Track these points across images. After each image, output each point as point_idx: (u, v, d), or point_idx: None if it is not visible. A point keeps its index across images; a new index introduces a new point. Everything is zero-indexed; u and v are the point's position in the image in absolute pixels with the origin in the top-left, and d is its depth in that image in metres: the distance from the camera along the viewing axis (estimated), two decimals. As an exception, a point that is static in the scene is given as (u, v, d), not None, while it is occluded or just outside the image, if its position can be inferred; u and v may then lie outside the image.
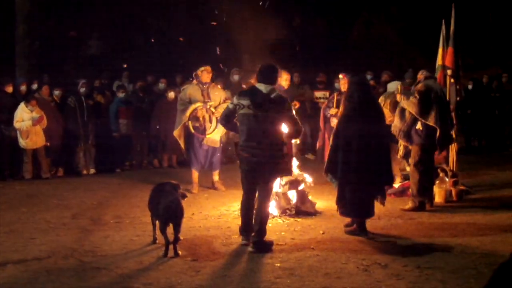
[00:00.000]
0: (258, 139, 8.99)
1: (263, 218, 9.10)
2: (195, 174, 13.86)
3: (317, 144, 14.03)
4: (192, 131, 13.49)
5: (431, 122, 11.16)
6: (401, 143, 11.98)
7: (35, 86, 17.37)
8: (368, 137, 9.56)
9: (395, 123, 11.73)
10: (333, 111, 13.14)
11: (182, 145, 13.89)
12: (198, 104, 13.35)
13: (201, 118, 13.44)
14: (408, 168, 12.75)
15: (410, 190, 12.50)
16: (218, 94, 13.64)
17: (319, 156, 14.55)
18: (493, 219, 10.59)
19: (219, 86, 14.59)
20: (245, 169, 9.25)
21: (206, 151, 13.64)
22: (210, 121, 13.50)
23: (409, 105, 11.37)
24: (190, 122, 13.44)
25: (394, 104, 12.10)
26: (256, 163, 9.06)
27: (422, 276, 7.62)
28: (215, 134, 13.54)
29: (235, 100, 9.26)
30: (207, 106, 13.35)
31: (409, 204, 11.46)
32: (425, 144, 11.36)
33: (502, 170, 15.82)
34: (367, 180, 9.53)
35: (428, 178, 11.59)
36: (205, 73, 13.48)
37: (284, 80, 12.70)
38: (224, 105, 12.19)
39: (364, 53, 28.65)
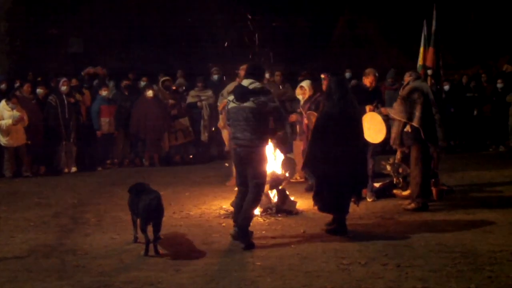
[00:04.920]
0: (242, 130, 9.16)
1: (245, 219, 9.16)
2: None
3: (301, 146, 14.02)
4: (222, 124, 13.65)
5: (415, 123, 11.17)
6: (398, 149, 12.11)
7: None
8: (346, 135, 9.59)
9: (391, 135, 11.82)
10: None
11: (224, 138, 14.20)
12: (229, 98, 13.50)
13: None
14: (388, 168, 12.80)
15: (394, 190, 12.60)
16: None
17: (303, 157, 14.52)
18: (473, 219, 10.63)
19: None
20: (234, 160, 9.57)
21: None
22: None
23: (396, 113, 11.41)
24: (221, 116, 13.60)
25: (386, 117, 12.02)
26: (240, 154, 9.25)
27: (402, 275, 7.65)
28: None
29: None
30: None
31: (412, 205, 11.44)
32: (418, 144, 11.36)
33: (483, 169, 15.89)
34: (344, 177, 9.56)
35: (427, 177, 11.63)
36: (242, 72, 13.58)
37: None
38: None
39: (346, 52, 28.75)
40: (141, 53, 25.53)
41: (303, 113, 13.63)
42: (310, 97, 13.73)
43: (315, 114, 12.86)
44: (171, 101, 17.93)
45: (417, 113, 11.16)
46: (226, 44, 21.25)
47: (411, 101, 11.24)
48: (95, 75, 18.53)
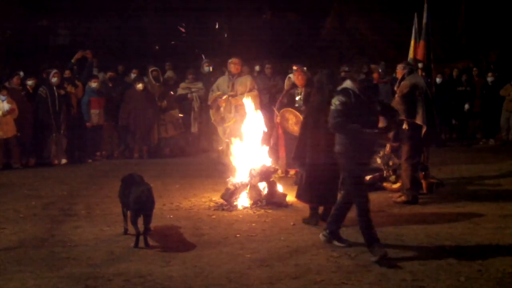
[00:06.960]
0: None
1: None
2: None
3: (271, 141, 13.88)
4: (212, 118, 13.56)
5: (419, 121, 11.16)
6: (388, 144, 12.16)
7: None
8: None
9: None
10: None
11: (220, 134, 14.20)
12: (218, 93, 13.38)
13: (221, 108, 13.43)
14: (378, 160, 12.81)
15: (384, 183, 12.62)
16: (243, 84, 13.58)
17: (274, 151, 14.31)
18: (463, 212, 10.65)
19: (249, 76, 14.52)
20: None
21: None
22: (230, 111, 13.54)
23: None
24: (211, 111, 13.53)
25: None
26: None
27: (391, 268, 7.67)
28: (237, 125, 13.29)
29: None
30: (223, 97, 13.34)
31: (402, 198, 11.45)
32: (413, 141, 11.35)
33: (473, 163, 15.93)
34: (334, 169, 9.52)
35: (417, 172, 11.65)
36: (232, 65, 13.52)
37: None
38: (251, 94, 12.46)
39: (336, 45, 28.71)
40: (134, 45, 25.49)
41: (274, 109, 13.50)
42: (286, 91, 13.66)
43: (291, 110, 12.83)
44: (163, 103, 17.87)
45: (420, 111, 11.14)
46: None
47: (413, 99, 11.21)
48: (84, 59, 18.34)
